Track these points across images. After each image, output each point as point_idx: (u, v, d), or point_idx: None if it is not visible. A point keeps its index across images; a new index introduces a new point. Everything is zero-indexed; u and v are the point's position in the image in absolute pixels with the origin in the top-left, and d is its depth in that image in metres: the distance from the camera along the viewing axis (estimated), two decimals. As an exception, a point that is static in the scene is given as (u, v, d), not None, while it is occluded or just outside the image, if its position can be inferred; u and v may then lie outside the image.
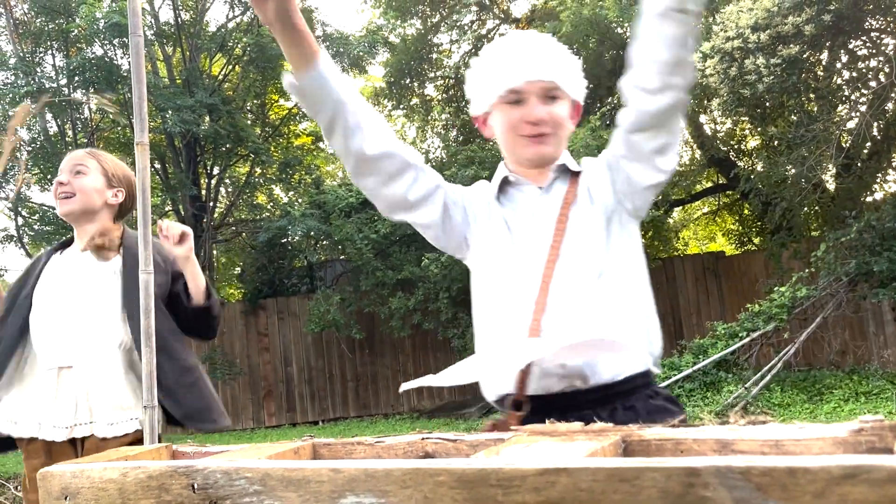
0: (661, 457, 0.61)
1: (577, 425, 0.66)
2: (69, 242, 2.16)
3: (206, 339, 2.29)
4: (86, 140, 10.92)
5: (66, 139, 10.75)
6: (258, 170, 11.72)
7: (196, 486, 0.78)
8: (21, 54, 10.23)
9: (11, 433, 1.96)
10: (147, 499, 0.81)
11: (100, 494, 0.85)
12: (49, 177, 10.55)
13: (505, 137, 1.44)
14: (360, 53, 11.04)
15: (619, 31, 9.04)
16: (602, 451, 0.62)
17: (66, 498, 0.88)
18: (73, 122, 10.76)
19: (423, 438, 0.78)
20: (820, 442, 0.57)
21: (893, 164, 8.77)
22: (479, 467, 0.60)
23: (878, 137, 8.32)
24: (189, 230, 2.05)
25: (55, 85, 10.35)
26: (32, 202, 11.29)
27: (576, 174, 1.46)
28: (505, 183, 1.46)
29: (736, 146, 10.55)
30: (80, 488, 0.87)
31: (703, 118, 10.28)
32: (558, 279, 1.31)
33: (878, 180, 8.79)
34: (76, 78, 10.01)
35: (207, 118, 10.39)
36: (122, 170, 2.17)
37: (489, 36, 12.15)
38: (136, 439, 1.91)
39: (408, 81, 12.07)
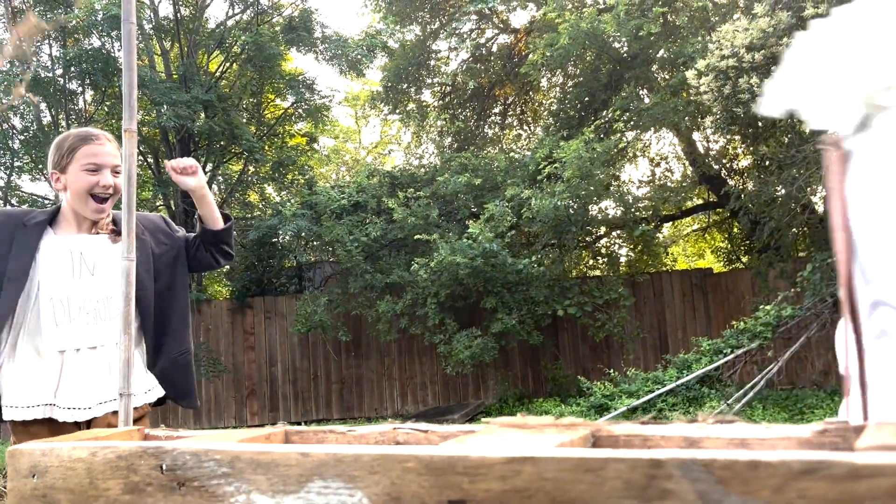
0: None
1: (549, 419, 0.67)
2: (52, 218, 2.09)
3: (228, 261, 2.36)
4: (79, 131, 10.86)
5: (60, 129, 10.70)
6: (251, 168, 11.70)
7: (165, 466, 0.78)
8: (18, 42, 10.18)
9: (14, 416, 1.90)
10: (115, 479, 0.81)
11: (68, 473, 0.85)
12: (41, 166, 10.50)
13: None
14: (359, 56, 11.06)
15: (617, 45, 9.10)
16: (570, 444, 0.63)
17: (34, 476, 0.87)
18: (67, 112, 10.71)
19: (394, 429, 0.78)
20: (784, 441, 0.58)
21: (882, 188, 8.83)
22: (447, 454, 0.60)
23: (869, 161, 8.38)
24: (195, 162, 2.11)
25: (51, 75, 10.31)
26: (23, 191, 11.23)
27: None
28: None
29: (727, 164, 10.62)
30: (48, 466, 0.87)
31: (696, 135, 10.34)
32: None
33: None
34: (72, 69, 9.99)
35: (202, 114, 10.37)
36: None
37: (487, 45, 12.20)
38: (143, 414, 2.01)
39: (405, 87, 12.09)
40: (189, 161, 2.11)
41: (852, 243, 0.87)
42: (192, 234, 2.28)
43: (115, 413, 1.82)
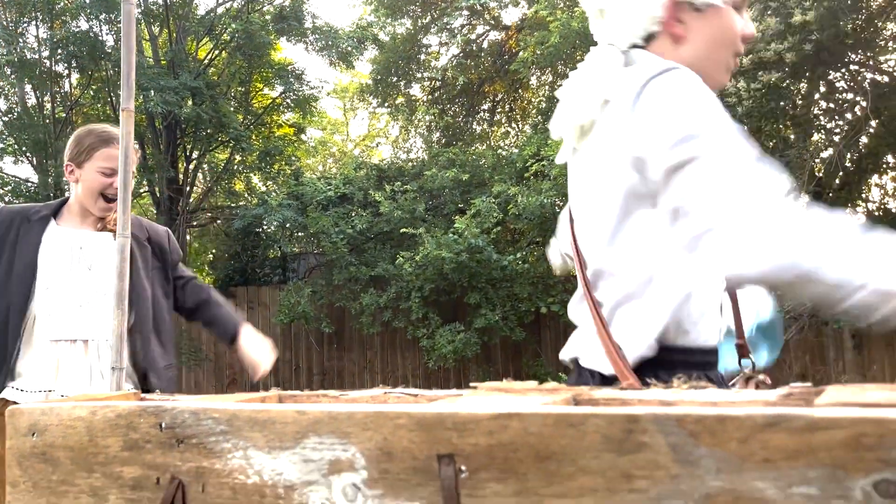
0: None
1: (532, 384, 0.71)
2: (56, 210, 2.16)
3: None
4: (64, 114, 10.78)
5: (45, 111, 10.61)
6: (238, 157, 11.66)
7: (164, 425, 0.81)
8: (4, 23, 10.09)
9: (14, 397, 1.98)
10: (115, 436, 0.84)
11: (68, 432, 0.88)
12: (24, 148, 10.42)
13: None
14: (349, 48, 11.05)
15: (607, 45, 9.15)
16: (553, 404, 0.67)
17: (33, 434, 0.90)
18: (53, 94, 10.62)
19: (385, 393, 0.81)
20: (752, 403, 0.62)
21: (863, 195, 8.98)
22: (437, 411, 0.64)
23: (851, 169, 8.51)
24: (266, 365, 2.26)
25: (37, 56, 10.22)
26: (5, 173, 11.12)
27: None
28: None
29: (713, 168, 10.72)
30: (48, 425, 0.89)
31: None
32: None
33: (848, 210, 8.99)
34: (59, 51, 9.90)
35: (190, 101, 10.32)
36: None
37: (478, 41, 12.23)
38: None
39: (394, 80, 12.10)
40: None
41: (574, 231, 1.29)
42: (184, 275, 2.38)
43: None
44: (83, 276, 2.06)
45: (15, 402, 1.95)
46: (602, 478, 0.57)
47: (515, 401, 0.66)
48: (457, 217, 8.65)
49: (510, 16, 12.84)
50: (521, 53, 9.52)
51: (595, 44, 1.44)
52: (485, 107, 12.81)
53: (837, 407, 0.52)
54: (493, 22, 12.18)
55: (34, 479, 0.89)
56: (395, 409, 0.66)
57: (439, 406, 0.65)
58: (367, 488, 0.67)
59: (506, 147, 12.18)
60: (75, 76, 10.96)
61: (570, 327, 1.34)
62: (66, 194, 2.21)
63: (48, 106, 10.65)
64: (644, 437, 0.55)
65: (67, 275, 2.05)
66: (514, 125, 13.07)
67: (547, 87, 11.84)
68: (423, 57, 12.20)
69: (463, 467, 0.62)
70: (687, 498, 0.54)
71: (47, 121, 10.45)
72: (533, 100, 12.63)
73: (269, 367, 2.28)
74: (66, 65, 10.44)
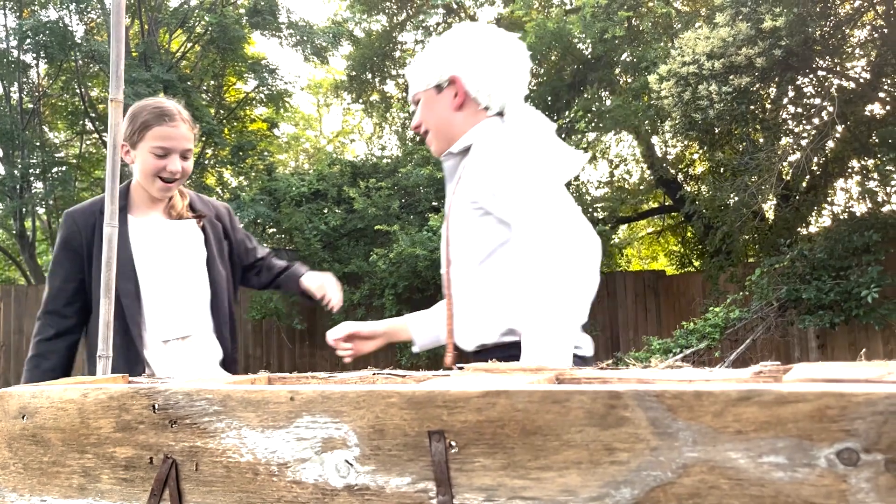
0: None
1: (517, 364, 0.74)
2: (125, 200, 2.03)
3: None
4: (31, 105, 10.60)
5: (11, 102, 10.42)
6: (209, 151, 11.56)
7: (157, 406, 0.83)
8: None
9: None
10: (107, 418, 0.86)
11: (59, 414, 0.89)
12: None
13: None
14: (324, 44, 11.01)
15: (581, 46, 9.25)
16: (538, 382, 0.70)
17: (23, 417, 0.91)
18: (20, 85, 10.43)
19: (374, 374, 0.84)
20: (725, 382, 0.66)
21: (829, 199, 9.18)
22: (428, 390, 0.67)
23: (817, 172, 8.71)
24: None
25: (5, 46, 10.03)
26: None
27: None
28: None
29: (684, 169, 10.89)
30: (38, 408, 0.91)
31: (655, 139, 10.58)
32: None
33: (814, 213, 9.19)
34: (28, 40, 9.73)
35: (162, 94, 10.20)
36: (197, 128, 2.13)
37: (454, 40, 12.24)
38: None
39: (369, 77, 12.08)
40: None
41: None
42: (256, 249, 2.27)
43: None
44: (175, 269, 1.98)
45: None
46: (585, 451, 0.60)
47: (503, 379, 0.69)
48: (431, 214, 8.68)
49: (486, 14, 12.89)
50: (496, 53, 9.54)
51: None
52: (460, 105, 12.82)
53: (804, 382, 0.56)
54: (468, 21, 12.21)
55: (24, 460, 0.91)
56: (387, 389, 0.69)
57: (430, 385, 0.68)
58: (359, 464, 0.70)
59: (480, 146, 12.20)
60: (43, 66, 10.77)
61: None
62: (130, 177, 2.07)
63: (15, 96, 10.46)
64: (625, 412, 0.59)
65: (159, 270, 1.96)
66: (488, 124, 13.09)
67: (522, 87, 11.89)
68: (398, 54, 12.19)
69: (453, 443, 0.65)
70: (665, 468, 0.57)
71: (14, 112, 10.26)
72: (508, 99, 12.67)
73: (340, 299, 2.15)
74: (34, 55, 10.27)
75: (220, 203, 2.24)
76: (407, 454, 0.68)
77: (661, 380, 0.69)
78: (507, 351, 1.41)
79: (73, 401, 0.88)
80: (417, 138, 11.94)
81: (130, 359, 1.89)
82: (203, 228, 2.06)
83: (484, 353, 1.48)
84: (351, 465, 0.70)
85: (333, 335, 1.80)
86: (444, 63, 1.58)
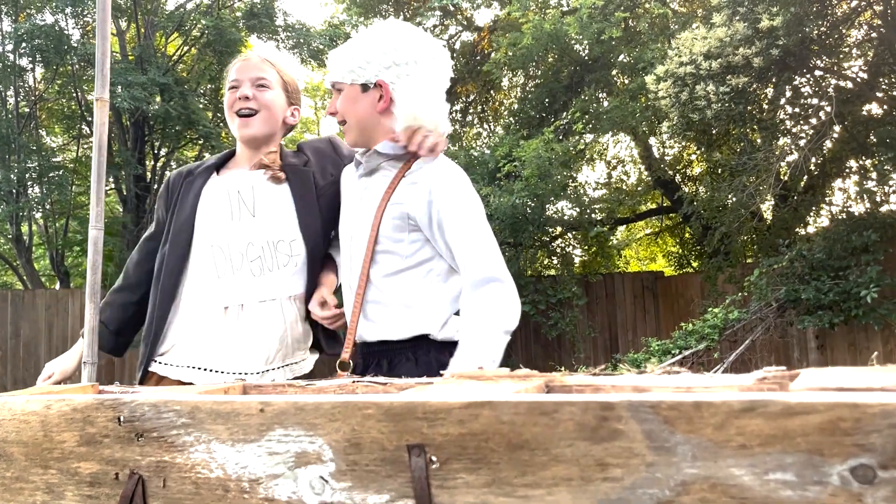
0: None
1: (504, 370, 0.69)
2: (223, 162, 1.89)
3: None
4: (28, 109, 10.55)
5: (8, 106, 10.37)
6: (207, 154, 11.51)
7: (122, 418, 0.78)
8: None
9: (168, 373, 1.72)
10: (70, 431, 0.81)
11: (21, 427, 0.84)
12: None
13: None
14: (320, 46, 10.98)
15: (578, 48, 9.22)
16: (526, 392, 0.65)
17: (-15, 429, 0.86)
18: (17, 88, 10.38)
19: (353, 381, 0.79)
20: (727, 389, 0.61)
21: (827, 199, 9.15)
22: (406, 401, 0.62)
23: (815, 172, 8.67)
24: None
25: (1, 50, 9.98)
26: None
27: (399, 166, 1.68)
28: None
29: (682, 170, 10.85)
30: (0, 420, 0.86)
31: (652, 140, 10.54)
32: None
33: (812, 213, 9.16)
34: (23, 44, 9.68)
35: (159, 97, 10.16)
36: (296, 81, 1.94)
37: (450, 42, 12.22)
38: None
39: (366, 79, 12.03)
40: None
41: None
42: None
43: (294, 380, 1.61)
44: (248, 224, 1.76)
45: (163, 377, 1.72)
46: (576, 466, 0.55)
47: (486, 389, 0.65)
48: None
49: (483, 17, 12.88)
50: (493, 54, 9.53)
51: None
52: (457, 107, 12.81)
53: (813, 391, 0.51)
54: (465, 23, 12.19)
55: (-14, 475, 0.86)
56: (363, 399, 0.64)
57: (408, 395, 0.63)
58: (334, 481, 0.65)
59: (478, 148, 12.20)
60: (40, 70, 10.73)
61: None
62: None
63: (11, 101, 10.41)
64: (619, 425, 0.54)
65: (230, 227, 1.75)
66: (486, 126, 13.09)
67: (519, 89, 11.88)
68: (395, 56, 12.15)
69: (434, 458, 0.60)
70: (663, 486, 0.53)
71: (10, 116, 10.21)
72: (505, 101, 12.67)
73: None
74: (30, 58, 10.22)
75: (320, 139, 2.00)
76: (385, 470, 0.63)
77: (657, 387, 0.64)
78: (414, 343, 1.61)
79: (35, 413, 0.83)
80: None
81: (180, 328, 1.75)
82: (288, 179, 1.82)
83: (384, 346, 1.63)
84: (326, 481, 0.66)
85: (313, 309, 1.76)
86: (373, 65, 1.61)
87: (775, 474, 0.49)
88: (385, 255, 1.62)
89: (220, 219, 1.76)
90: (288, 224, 1.77)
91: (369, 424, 0.64)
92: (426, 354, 1.61)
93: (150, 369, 1.73)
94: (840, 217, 8.02)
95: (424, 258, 1.63)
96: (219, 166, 1.88)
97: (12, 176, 9.71)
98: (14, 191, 9.90)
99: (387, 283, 1.62)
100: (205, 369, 1.69)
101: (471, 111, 12.93)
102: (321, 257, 1.83)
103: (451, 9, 11.32)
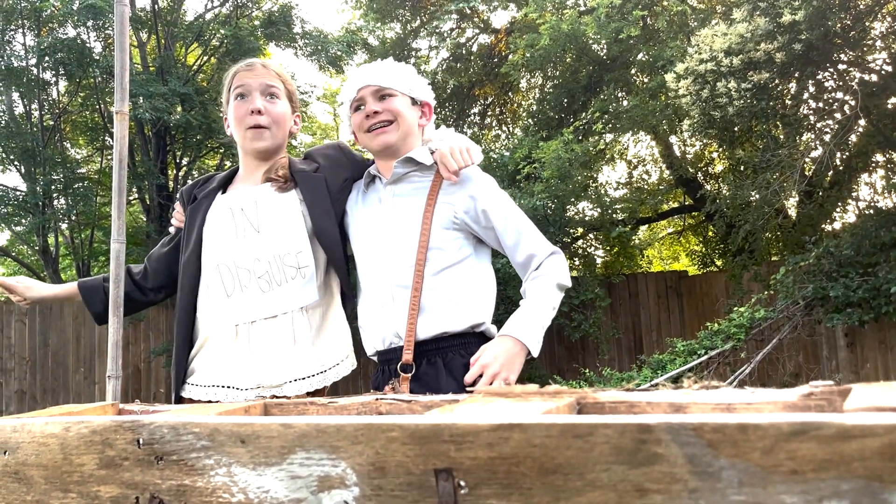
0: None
1: (533, 387, 0.66)
2: (228, 179, 1.87)
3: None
4: (52, 122, 10.69)
5: (32, 119, 10.52)
6: (228, 163, 11.59)
7: (142, 441, 0.76)
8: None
9: (193, 394, 1.71)
10: (90, 454, 0.79)
11: (41, 449, 0.83)
12: (12, 157, 10.31)
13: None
14: (338, 53, 11.00)
15: (596, 47, 9.15)
16: (556, 411, 0.62)
17: (5, 452, 0.85)
18: (41, 102, 10.53)
19: (377, 399, 0.77)
20: (771, 405, 0.58)
21: (853, 194, 8.99)
22: (433, 423, 0.59)
23: (841, 168, 8.52)
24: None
25: (24, 64, 10.12)
26: (-7, 182, 11.01)
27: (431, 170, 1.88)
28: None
29: (704, 168, 10.72)
30: (20, 443, 0.84)
31: (673, 138, 10.43)
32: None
33: (839, 209, 9.01)
34: (46, 58, 9.81)
35: (180, 107, 10.25)
36: (295, 89, 1.94)
37: (468, 45, 12.21)
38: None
39: (384, 84, 12.04)
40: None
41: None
42: None
43: (312, 394, 1.63)
44: (253, 240, 1.73)
45: (197, 401, 1.69)
46: (613, 492, 0.52)
47: (517, 409, 0.62)
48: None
49: (499, 19, 12.86)
50: (510, 56, 9.49)
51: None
52: (475, 110, 12.79)
53: (871, 412, 0.48)
54: (482, 25, 12.16)
55: (7, 499, 0.84)
56: (388, 421, 0.62)
57: (434, 417, 0.61)
58: (359, 506, 0.63)
59: (497, 150, 12.16)
60: (63, 83, 10.87)
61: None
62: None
63: (36, 114, 10.56)
64: (658, 448, 0.51)
65: (235, 244, 1.73)
66: (504, 128, 13.05)
67: (537, 90, 11.83)
68: (412, 61, 12.15)
69: (462, 482, 0.58)
70: (706, 514, 0.49)
71: (35, 129, 10.35)
72: (523, 102, 12.62)
73: None
74: (53, 72, 10.35)
75: (328, 146, 1.99)
76: (412, 495, 0.60)
77: (695, 404, 0.61)
78: (465, 339, 1.77)
79: (54, 435, 0.82)
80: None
81: (199, 349, 1.76)
82: (298, 187, 1.79)
83: (443, 341, 1.75)
84: (350, 506, 0.63)
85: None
86: (421, 86, 1.91)
87: (830, 502, 0.46)
88: (435, 253, 1.77)
89: (224, 238, 1.75)
90: (293, 236, 1.75)
91: (394, 447, 0.61)
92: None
93: (182, 395, 1.73)
94: (867, 212, 7.87)
95: (465, 255, 1.81)
96: (224, 184, 1.88)
97: (38, 188, 9.84)
98: (40, 203, 10.03)
99: (436, 281, 1.76)
100: (223, 386, 1.68)
101: (489, 113, 12.90)
102: (343, 259, 1.82)
103: (468, 11, 11.29)
